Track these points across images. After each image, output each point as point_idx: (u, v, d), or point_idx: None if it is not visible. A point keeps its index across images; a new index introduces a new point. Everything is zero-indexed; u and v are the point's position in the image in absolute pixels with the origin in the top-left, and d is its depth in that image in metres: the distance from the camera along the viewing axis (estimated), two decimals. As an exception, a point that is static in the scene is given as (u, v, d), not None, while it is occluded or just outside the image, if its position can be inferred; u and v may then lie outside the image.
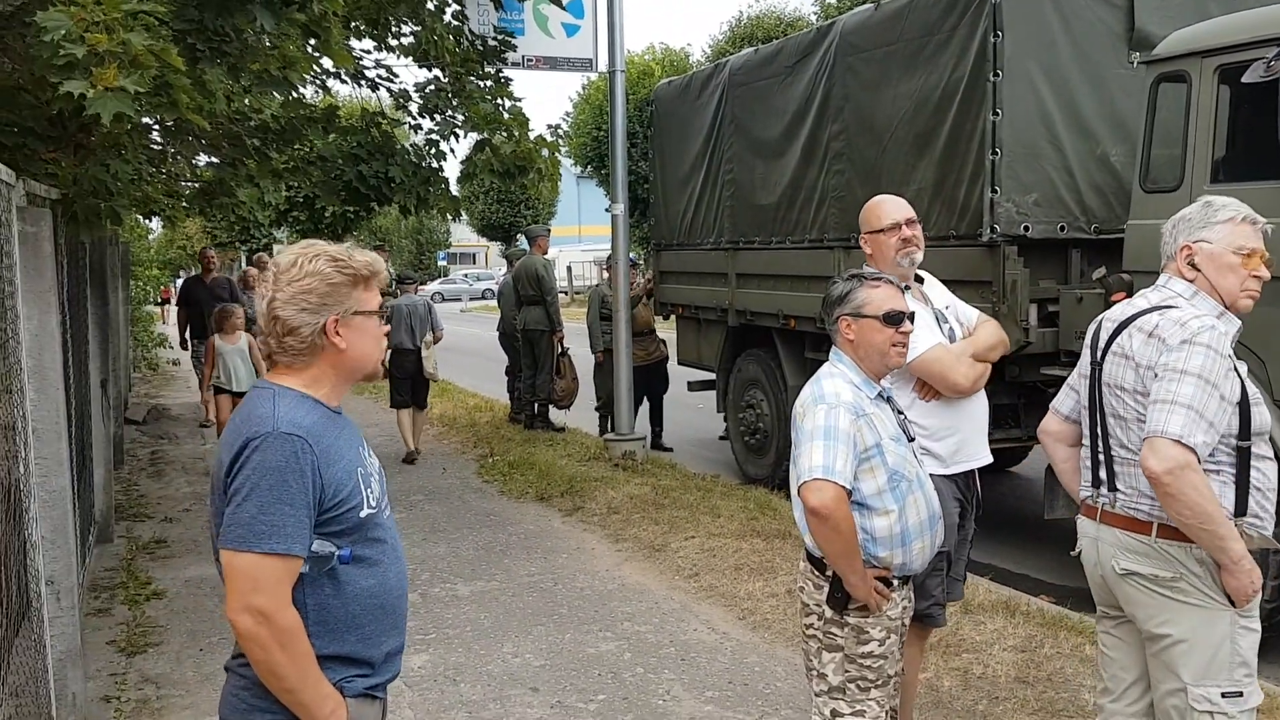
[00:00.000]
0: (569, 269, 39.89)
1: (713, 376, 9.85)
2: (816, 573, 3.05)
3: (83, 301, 6.55)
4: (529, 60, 10.02)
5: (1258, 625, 2.91)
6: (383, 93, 9.19)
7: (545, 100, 46.37)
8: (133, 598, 6.03)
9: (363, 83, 9.14)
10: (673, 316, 10.60)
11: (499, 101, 9.21)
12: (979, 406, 3.74)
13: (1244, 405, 2.82)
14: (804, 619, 3.12)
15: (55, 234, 4.52)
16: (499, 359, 12.80)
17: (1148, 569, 2.89)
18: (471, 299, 46.89)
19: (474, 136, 9.33)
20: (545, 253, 11.39)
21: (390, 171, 8.66)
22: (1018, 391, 6.46)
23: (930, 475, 3.30)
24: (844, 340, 3.07)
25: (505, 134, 9.21)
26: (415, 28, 8.81)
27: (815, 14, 28.62)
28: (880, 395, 3.07)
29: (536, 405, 11.35)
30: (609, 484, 8.39)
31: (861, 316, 3.02)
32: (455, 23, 9.08)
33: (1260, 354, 4.73)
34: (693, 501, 7.77)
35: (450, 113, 9.08)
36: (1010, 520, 7.67)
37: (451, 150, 9.39)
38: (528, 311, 11.13)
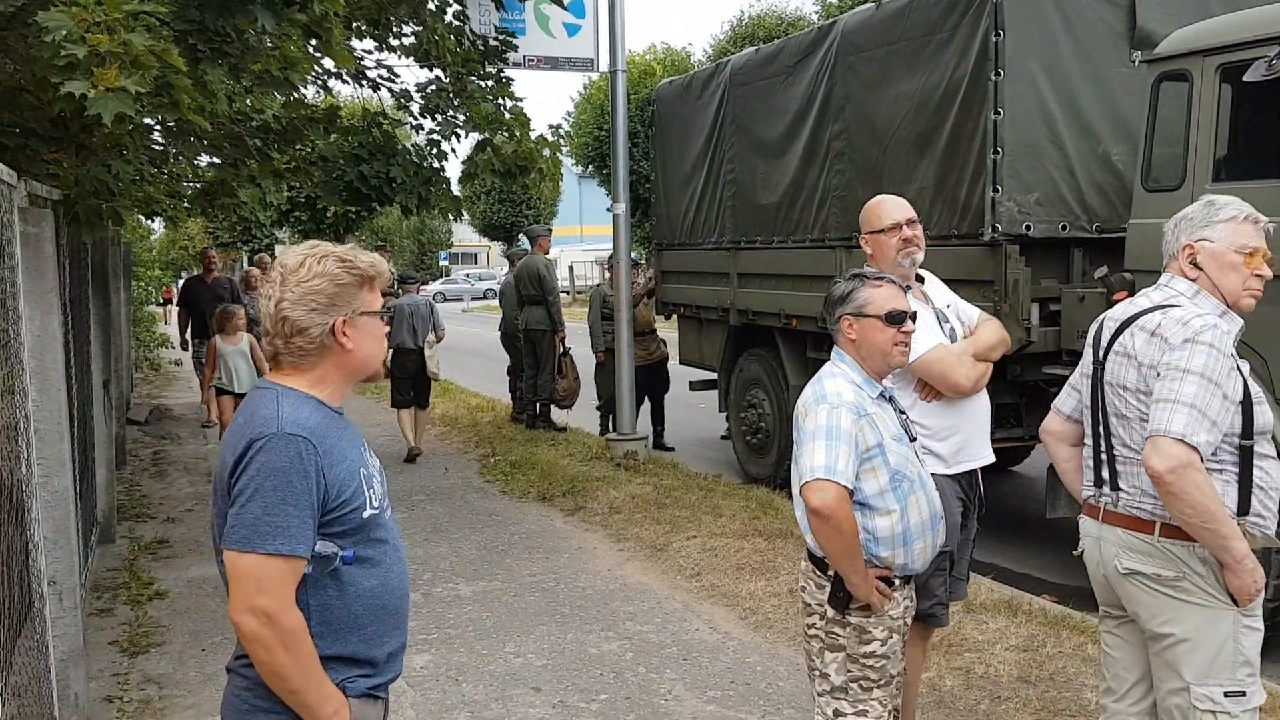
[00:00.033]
0: (570, 269, 39.91)
1: (714, 376, 9.85)
2: (818, 572, 3.04)
3: (85, 302, 6.56)
4: (530, 60, 10.02)
5: (1260, 624, 2.90)
6: (384, 93, 9.20)
7: (546, 100, 46.51)
8: (135, 598, 6.03)
9: (364, 83, 9.15)
10: (674, 316, 10.60)
11: (500, 101, 9.21)
12: (981, 406, 3.74)
13: (1246, 404, 2.82)
14: (806, 619, 3.12)
15: (57, 235, 4.53)
16: (501, 359, 12.81)
17: (1150, 568, 2.89)
18: (473, 299, 46.95)
19: (475, 136, 9.34)
20: (547, 252, 11.40)
21: (392, 171, 8.66)
22: (1019, 391, 6.46)
23: (933, 475, 3.30)
24: (846, 340, 3.06)
25: (506, 134, 9.21)
26: (416, 28, 8.81)
27: (816, 13, 28.61)
28: (882, 395, 3.07)
29: (538, 405, 11.35)
30: (611, 484, 8.39)
31: (863, 316, 3.02)
32: (456, 23, 9.08)
33: (1262, 353, 4.72)
34: (694, 501, 7.77)
35: (451, 113, 9.08)
36: (1012, 520, 7.67)
37: (453, 150, 9.40)
38: (529, 311, 11.14)
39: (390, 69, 9.07)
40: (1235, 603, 2.82)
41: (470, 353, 20.21)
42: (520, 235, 37.45)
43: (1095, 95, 6.19)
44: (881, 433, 2.95)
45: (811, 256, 7.87)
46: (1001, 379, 6.09)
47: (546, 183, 10.33)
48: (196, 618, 5.74)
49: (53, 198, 4.56)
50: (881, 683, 3.00)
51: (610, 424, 10.46)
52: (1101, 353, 3.04)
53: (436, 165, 9.16)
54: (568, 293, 33.78)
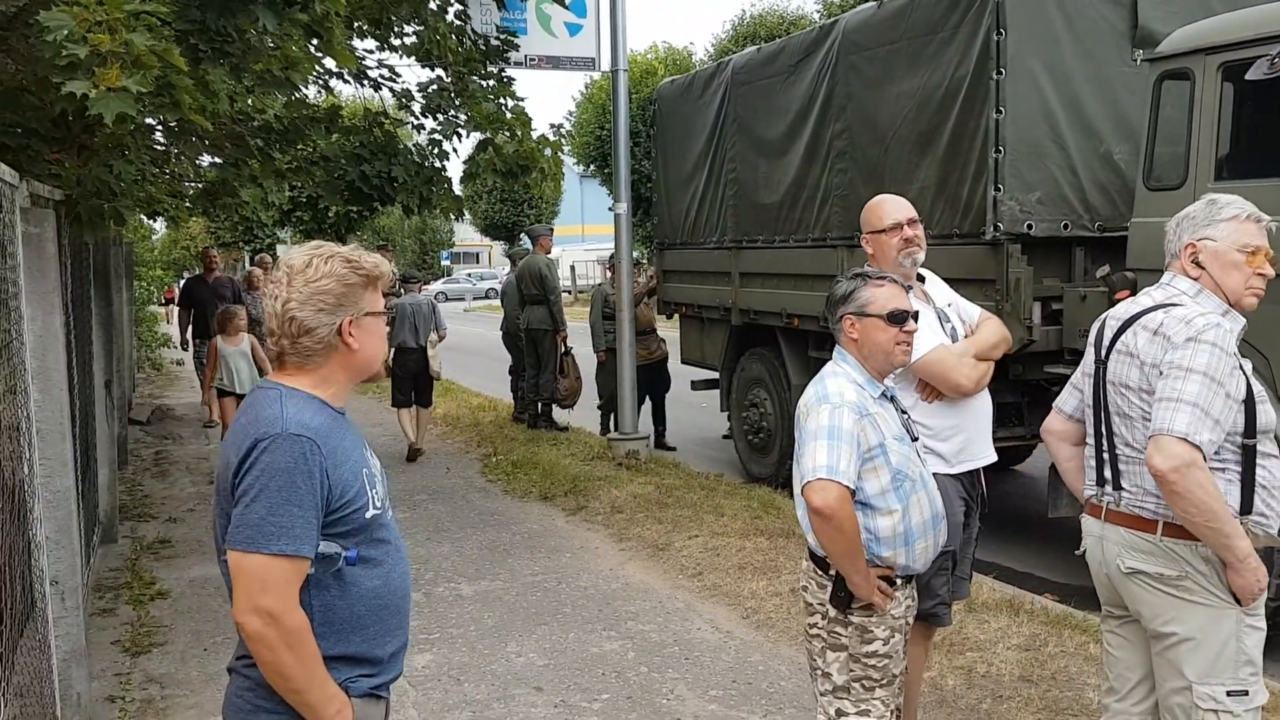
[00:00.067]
0: (572, 268, 39.90)
1: (716, 375, 9.85)
2: (820, 572, 3.04)
3: (87, 302, 6.57)
4: (531, 60, 10.02)
5: (1263, 624, 2.90)
6: (385, 93, 9.21)
7: (548, 99, 46.51)
8: (137, 598, 6.03)
9: (365, 83, 9.16)
10: (676, 315, 10.60)
11: (501, 101, 9.21)
12: (983, 405, 3.73)
13: (1249, 403, 2.81)
14: (808, 618, 3.12)
15: (59, 235, 4.53)
16: (502, 358, 12.81)
17: (1153, 567, 2.88)
18: (475, 298, 46.95)
19: (477, 136, 9.35)
20: (548, 252, 11.40)
21: (393, 171, 8.67)
22: (1021, 390, 6.46)
23: (935, 474, 3.30)
24: (848, 339, 3.06)
25: (508, 133, 9.22)
26: (418, 27, 8.81)
27: (818, 12, 28.62)
28: (884, 394, 3.06)
29: (540, 404, 11.36)
30: (612, 483, 8.39)
31: (865, 315, 3.02)
32: (458, 22, 9.08)
33: (1265, 352, 4.72)
34: (696, 501, 7.77)
35: (453, 112, 9.08)
36: (1014, 519, 7.67)
37: (454, 150, 9.39)
38: (531, 311, 11.14)
39: (392, 69, 9.08)
40: (1238, 602, 2.82)
41: (472, 352, 20.21)
42: (522, 235, 37.47)
43: (1097, 94, 6.18)
44: (883, 432, 2.95)
45: (813, 256, 7.87)
46: (1003, 378, 6.08)
47: (548, 182, 10.34)
48: (198, 617, 5.75)
49: (55, 198, 4.57)
50: (884, 682, 3.00)
51: (611, 424, 10.46)
52: (1104, 352, 3.03)
53: (438, 165, 9.17)
54: (569, 292, 33.77)
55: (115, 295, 9.91)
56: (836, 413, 2.89)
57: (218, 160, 8.49)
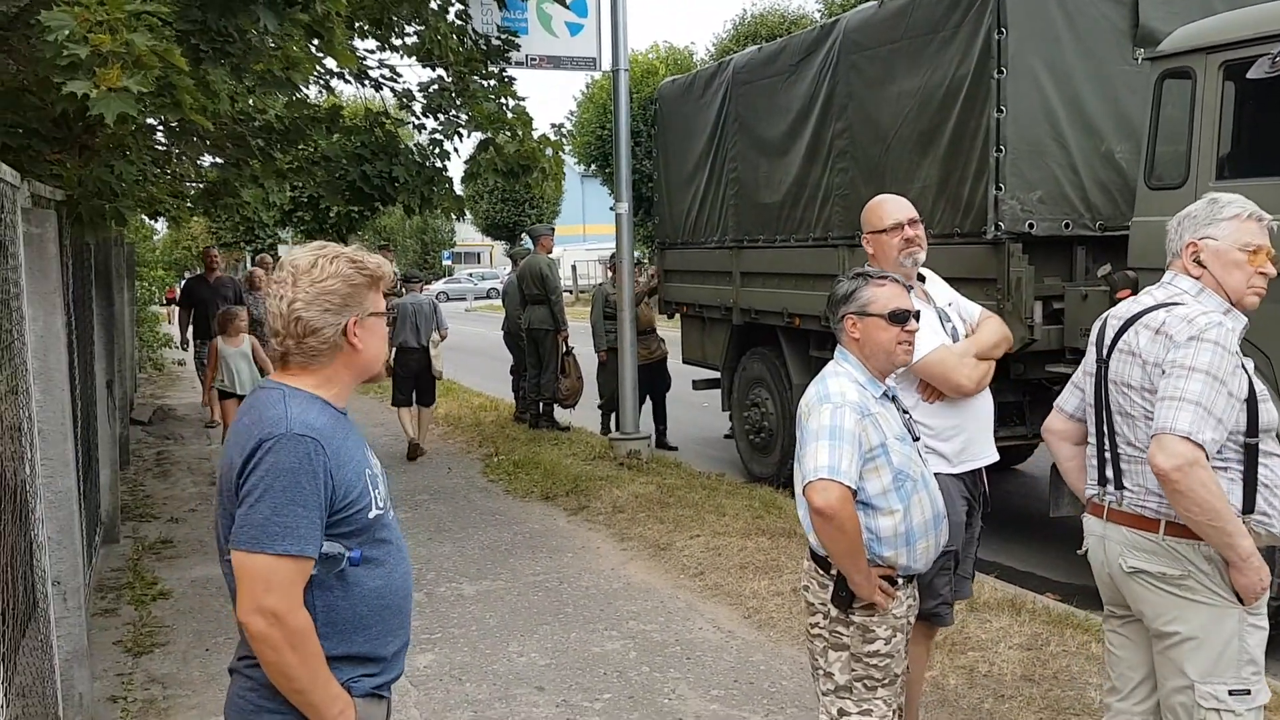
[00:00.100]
0: (574, 268, 39.90)
1: (717, 375, 9.85)
2: (821, 572, 3.04)
3: (88, 302, 6.57)
4: (532, 59, 10.02)
5: (1265, 623, 2.90)
6: (386, 93, 9.20)
7: (549, 99, 46.40)
8: (139, 598, 6.04)
9: (366, 83, 9.15)
10: (676, 315, 10.60)
11: (502, 101, 9.21)
12: (984, 405, 3.73)
13: (1251, 402, 2.81)
14: (809, 618, 3.12)
15: (60, 235, 4.53)
16: (504, 358, 12.81)
17: (1155, 567, 2.88)
18: (476, 298, 46.94)
19: (478, 136, 9.34)
20: (549, 252, 11.40)
21: (394, 171, 8.67)
22: (1023, 389, 6.45)
23: (938, 474, 3.30)
24: (849, 339, 3.06)
25: (509, 133, 9.21)
26: (419, 27, 8.81)
27: (819, 12, 28.61)
28: (885, 394, 3.06)
29: (541, 404, 11.36)
30: (614, 483, 8.39)
31: (867, 315, 3.02)
32: (459, 22, 9.08)
33: (1266, 351, 4.71)
34: (698, 500, 7.77)
35: (454, 112, 9.08)
36: (1016, 518, 7.67)
37: (455, 150, 9.39)
38: (532, 311, 11.14)
39: (393, 69, 9.08)
40: (1240, 601, 2.81)
41: (473, 352, 20.21)
42: (523, 235, 37.47)
43: (1098, 93, 6.18)
44: (885, 432, 2.95)
45: (814, 255, 7.87)
46: (1005, 377, 6.08)
47: (549, 182, 10.35)
48: (200, 617, 5.75)
49: (56, 198, 4.57)
50: (885, 682, 3.00)
51: (611, 423, 10.46)
52: (1105, 351, 3.03)
53: (439, 165, 9.17)
54: (570, 292, 33.77)
55: (117, 295, 9.92)
56: (838, 412, 2.89)
57: (219, 160, 8.49)
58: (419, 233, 56.03)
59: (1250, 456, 2.83)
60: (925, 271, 3.82)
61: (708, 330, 9.94)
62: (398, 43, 8.97)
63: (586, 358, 11.20)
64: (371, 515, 2.18)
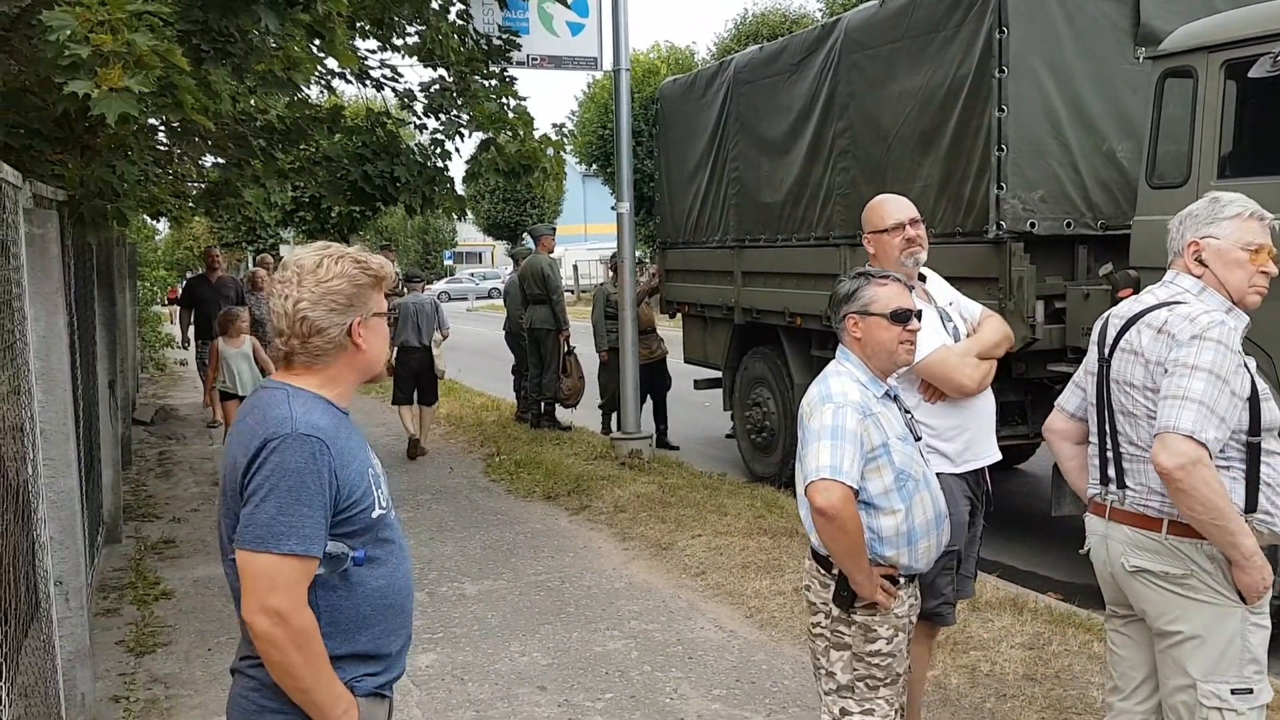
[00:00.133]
0: (575, 268, 39.89)
1: (719, 375, 9.85)
2: (823, 571, 3.04)
3: (90, 302, 6.57)
4: (534, 59, 10.02)
5: (1268, 622, 2.90)
6: (388, 92, 9.21)
7: (550, 99, 46.19)
8: (141, 598, 6.04)
9: (368, 83, 9.16)
10: (678, 315, 10.60)
11: (504, 101, 9.21)
12: (986, 404, 3.73)
13: (1253, 401, 2.81)
14: (811, 617, 3.12)
15: (62, 235, 4.53)
16: (505, 358, 12.81)
17: (1158, 566, 2.88)
18: (478, 298, 46.96)
19: (479, 136, 9.35)
20: (551, 251, 11.41)
21: (395, 171, 8.67)
22: (1024, 388, 6.45)
23: (941, 474, 3.30)
24: (851, 338, 3.06)
25: (510, 133, 9.22)
26: (420, 27, 8.81)
27: (820, 11, 28.60)
28: (887, 394, 3.06)
29: (543, 404, 11.36)
30: (616, 482, 8.39)
31: (869, 314, 3.01)
32: (460, 22, 9.08)
33: (1268, 349, 4.71)
34: (699, 500, 7.77)
35: (455, 112, 9.09)
36: (1018, 517, 7.67)
37: (456, 150, 9.39)
38: (534, 310, 11.15)
39: (394, 69, 9.08)
40: (1243, 600, 2.81)
41: (475, 352, 20.22)
42: (524, 234, 37.47)
43: (1099, 92, 6.18)
44: (886, 432, 2.95)
45: (816, 255, 7.87)
46: (1006, 377, 6.08)
47: (550, 182, 10.36)
48: (203, 617, 5.75)
49: (57, 198, 4.57)
50: (887, 681, 3.00)
51: (612, 423, 10.46)
52: (1107, 350, 3.03)
53: (440, 165, 9.17)
54: (572, 292, 33.77)
55: (119, 295, 9.92)
56: (840, 412, 2.89)
57: (220, 160, 8.50)
58: (420, 233, 56.06)
59: (1252, 455, 2.83)
60: (925, 271, 3.81)
61: (709, 330, 9.94)
62: (399, 43, 8.97)
63: (588, 357, 11.20)
64: (375, 515, 2.19)
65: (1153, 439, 2.80)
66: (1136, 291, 3.53)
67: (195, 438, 11.56)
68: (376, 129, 8.86)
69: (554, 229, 12.08)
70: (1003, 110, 6.04)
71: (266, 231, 30.21)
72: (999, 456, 3.80)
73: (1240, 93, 5.13)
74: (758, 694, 4.62)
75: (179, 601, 6.04)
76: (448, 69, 9.08)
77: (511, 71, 9.50)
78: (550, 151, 9.48)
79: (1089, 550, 3.13)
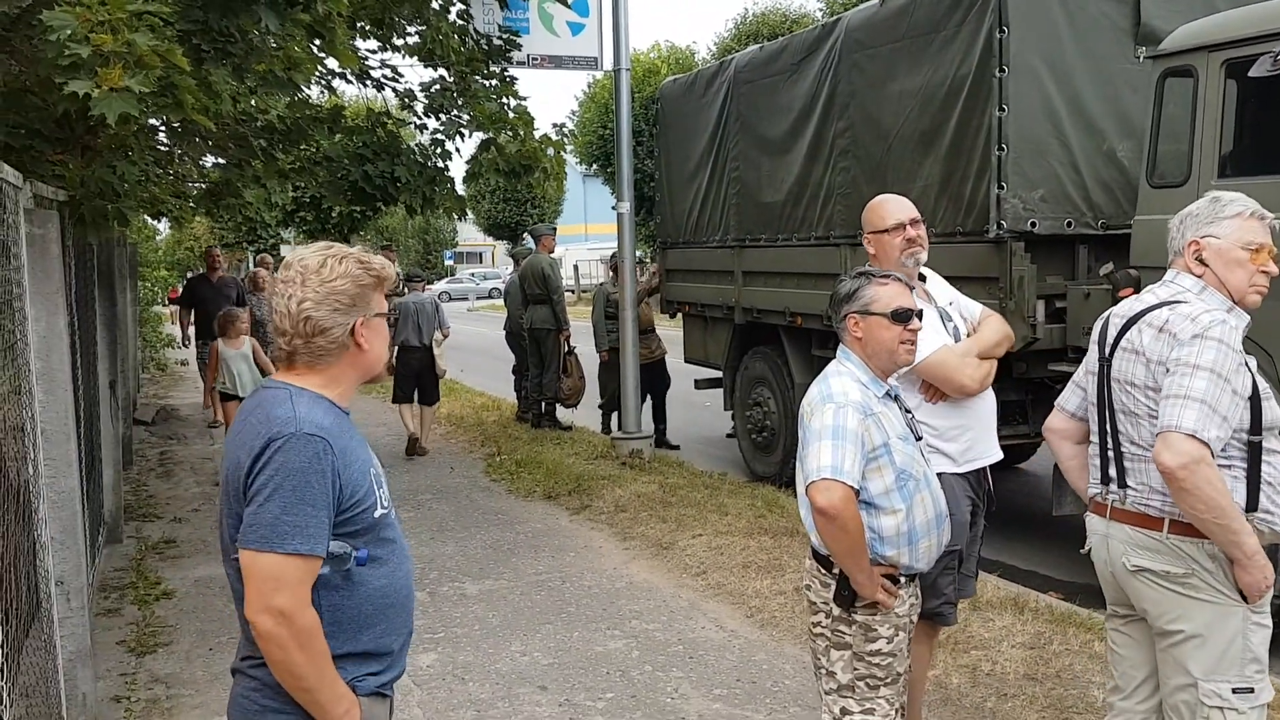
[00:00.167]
0: (575, 267, 39.90)
1: (719, 374, 9.85)
2: (823, 571, 3.04)
3: (91, 303, 6.57)
4: (534, 59, 10.03)
5: (1269, 621, 2.90)
6: (388, 93, 9.21)
7: (550, 99, 46.12)
8: (142, 598, 6.05)
9: (368, 83, 9.16)
10: (678, 315, 10.60)
11: (504, 101, 9.21)
12: (987, 404, 3.73)
13: (1254, 400, 2.81)
14: (811, 617, 3.12)
15: (63, 235, 4.53)
16: (506, 358, 12.82)
17: (1159, 565, 2.88)
18: (478, 298, 46.97)
19: (479, 136, 9.35)
20: (551, 251, 11.41)
21: (396, 171, 8.67)
22: (1025, 388, 6.45)
23: (943, 474, 3.29)
24: (852, 338, 3.06)
25: (510, 133, 9.22)
26: (420, 27, 8.81)
27: (820, 11, 28.59)
28: (888, 394, 3.06)
29: (544, 404, 11.36)
30: (616, 482, 8.39)
31: (869, 314, 3.01)
32: (460, 22, 9.09)
33: (1268, 349, 4.71)
34: (700, 499, 7.77)
35: (455, 112, 9.09)
36: (1019, 517, 7.66)
37: (457, 150, 9.39)
38: (534, 310, 11.15)
39: (394, 69, 9.09)
40: (1244, 599, 2.81)
41: (476, 352, 20.22)
42: (525, 234, 37.48)
43: (1100, 91, 6.18)
44: (887, 432, 2.94)
45: (816, 254, 7.87)
46: (1007, 376, 6.08)
47: (550, 182, 10.37)
48: (203, 617, 5.75)
49: (58, 199, 4.57)
50: (888, 681, 3.00)
51: (612, 423, 10.46)
52: (1108, 350, 3.03)
53: (441, 165, 9.17)
54: (572, 291, 33.76)
55: (119, 295, 9.92)
56: (841, 412, 2.89)
57: (221, 161, 8.50)
58: (421, 233, 56.06)
59: (1254, 454, 2.83)
60: (925, 271, 3.81)
61: (710, 330, 9.94)
62: (399, 43, 8.97)
63: (588, 357, 11.20)
64: (376, 515, 2.19)
65: (1154, 438, 2.80)
66: (1137, 291, 3.53)
67: (196, 438, 11.57)
68: (377, 129, 8.86)
69: (554, 229, 12.09)
70: (1003, 110, 6.04)
71: (267, 232, 30.20)
72: (1001, 455, 3.80)
73: (1240, 92, 5.13)
74: (759, 694, 4.62)
75: (180, 601, 6.04)
76: (448, 69, 9.08)
77: (512, 71, 9.51)
78: (550, 151, 9.49)
79: (1090, 550, 3.13)
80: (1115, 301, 4.49)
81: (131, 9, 3.98)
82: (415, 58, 9.07)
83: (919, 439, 3.11)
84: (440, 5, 8.80)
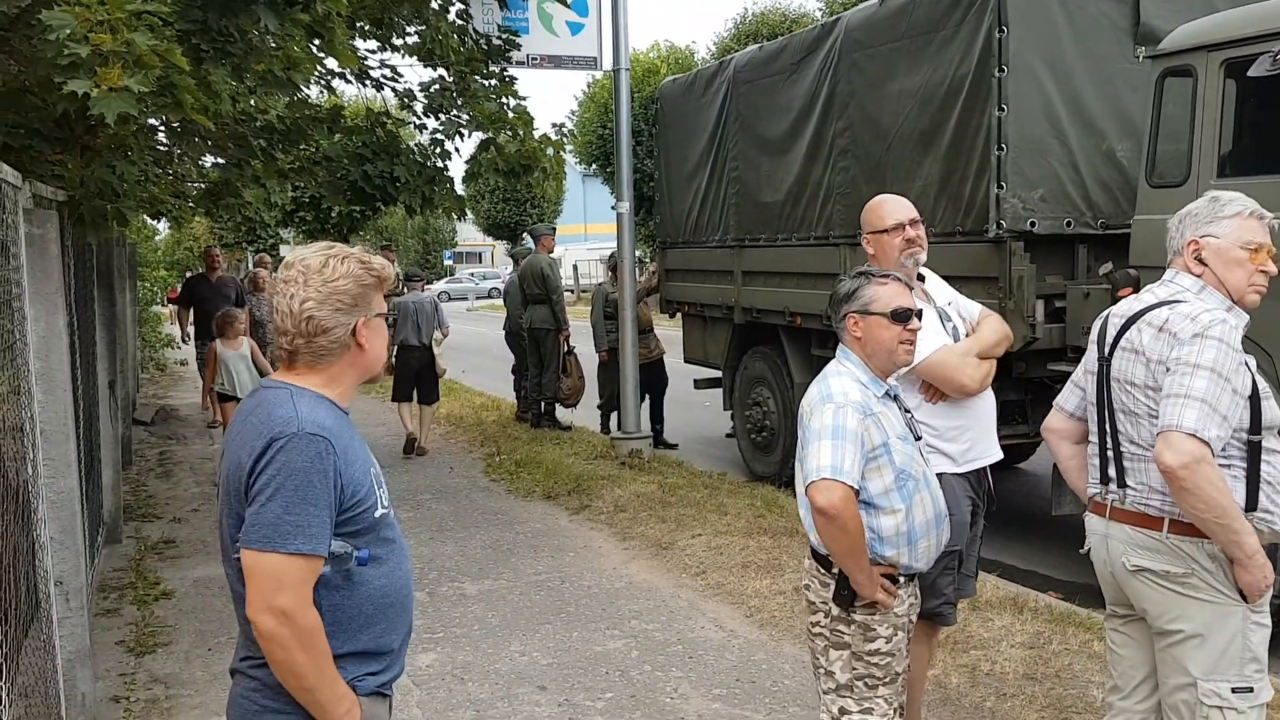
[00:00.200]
0: (575, 267, 39.89)
1: (719, 374, 9.85)
2: (823, 570, 3.04)
3: (90, 303, 6.57)
4: (533, 59, 10.03)
5: (1268, 620, 2.90)
6: (387, 92, 9.21)
7: (550, 99, 46.15)
8: (141, 598, 6.04)
9: (367, 83, 9.16)
10: (676, 314, 10.60)
11: (503, 100, 9.21)
12: (987, 404, 3.73)
13: (1254, 399, 2.81)
14: (810, 617, 3.12)
15: (62, 235, 4.53)
16: (505, 358, 12.82)
17: (1159, 565, 2.88)
18: (478, 298, 46.97)
19: (479, 136, 9.35)
20: (550, 251, 11.42)
21: (395, 171, 8.67)
22: (1024, 388, 6.45)
23: (943, 474, 3.29)
24: (851, 338, 3.05)
25: (510, 133, 9.22)
26: (420, 27, 8.81)
27: (820, 10, 28.60)
28: (887, 394, 3.06)
29: (543, 404, 11.36)
30: (616, 482, 8.39)
31: (869, 314, 3.01)
32: (460, 22, 9.09)
33: (1267, 348, 4.71)
34: (700, 499, 7.77)
35: (455, 112, 9.09)
36: (1018, 516, 7.67)
37: (456, 149, 9.38)
38: (533, 310, 11.15)
39: (394, 69, 9.08)
40: (1244, 599, 2.81)
41: (475, 352, 20.22)
42: (524, 234, 37.46)
43: (1099, 91, 6.18)
44: (887, 432, 2.94)
45: (816, 254, 7.87)
46: (1006, 376, 6.08)
47: (550, 182, 10.37)
48: (203, 617, 5.75)
49: (57, 199, 4.57)
50: (886, 680, 3.00)
51: (611, 423, 10.46)
52: (1107, 349, 3.03)
53: (440, 165, 9.17)
54: (572, 291, 33.74)
55: (119, 295, 9.93)
56: (840, 412, 2.89)
57: (220, 160, 8.50)
58: (420, 232, 56.06)
59: (1253, 454, 2.83)
60: (924, 271, 3.81)
61: (709, 329, 9.94)
62: (399, 42, 8.97)
63: (587, 357, 11.20)
64: (377, 514, 2.20)
65: (1155, 438, 2.80)
66: (1136, 290, 3.53)
67: (195, 438, 11.56)
68: (376, 129, 8.86)
69: (554, 229, 12.09)
70: (1002, 109, 6.04)
71: (266, 232, 30.22)
72: (1001, 455, 3.80)
73: (1240, 92, 5.13)
74: (758, 693, 4.62)
75: (179, 601, 6.04)
76: (447, 69, 9.08)
77: (511, 71, 9.50)
78: (550, 151, 9.48)
79: (1089, 550, 3.13)
80: (1114, 301, 4.49)
81: (130, 9, 3.98)
82: (414, 57, 9.07)
83: (918, 439, 3.11)
84: (439, 5, 8.79)
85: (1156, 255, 3.44)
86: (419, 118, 9.33)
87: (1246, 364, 2.82)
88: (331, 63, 7.82)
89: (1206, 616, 2.83)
